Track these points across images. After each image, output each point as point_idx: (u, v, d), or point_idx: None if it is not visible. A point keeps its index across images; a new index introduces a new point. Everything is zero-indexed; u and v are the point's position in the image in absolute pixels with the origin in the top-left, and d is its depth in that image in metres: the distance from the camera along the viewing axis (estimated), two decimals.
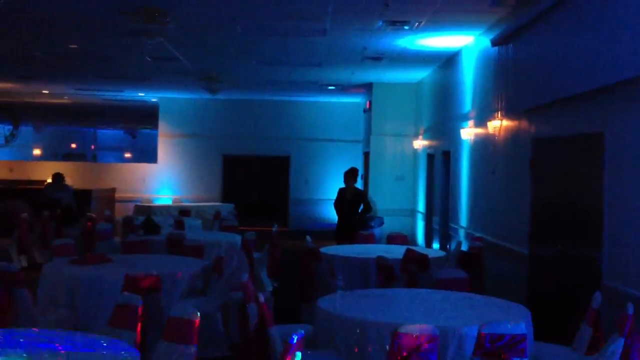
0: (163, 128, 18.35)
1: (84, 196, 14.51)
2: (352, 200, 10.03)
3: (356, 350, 4.25)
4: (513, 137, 7.91)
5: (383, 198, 13.99)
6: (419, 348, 3.60)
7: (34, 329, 4.42)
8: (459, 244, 8.70)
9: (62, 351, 3.43)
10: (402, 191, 14.33)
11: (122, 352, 3.45)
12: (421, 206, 13.48)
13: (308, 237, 7.70)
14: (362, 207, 10.04)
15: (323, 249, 7.58)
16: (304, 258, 7.24)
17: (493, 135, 8.58)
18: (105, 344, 3.59)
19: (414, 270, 6.36)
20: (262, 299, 4.52)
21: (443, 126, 11.70)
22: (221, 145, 18.20)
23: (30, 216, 11.09)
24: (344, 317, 4.42)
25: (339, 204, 10.12)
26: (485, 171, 8.93)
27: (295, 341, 3.34)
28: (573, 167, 6.27)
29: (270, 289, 8.31)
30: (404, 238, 8.92)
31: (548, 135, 6.86)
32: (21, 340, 3.64)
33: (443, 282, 5.69)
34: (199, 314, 4.17)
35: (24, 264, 9.99)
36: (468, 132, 9.78)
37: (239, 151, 18.24)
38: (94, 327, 5.00)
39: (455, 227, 10.39)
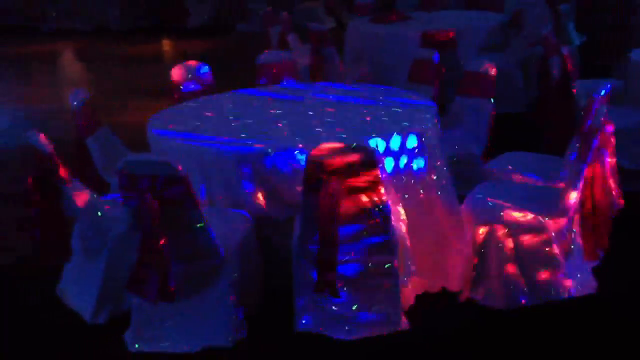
0: None
1: None
2: None
3: None
4: None
5: None
6: None
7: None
8: None
9: (366, 103, 3.67)
10: None
11: (421, 104, 3.57)
12: None
13: None
14: None
15: None
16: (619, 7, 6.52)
17: None
18: (404, 96, 3.74)
19: None
20: (565, 51, 4.24)
21: None
22: None
23: None
24: None
25: None
26: None
27: (600, 95, 3.10)
28: None
29: (577, 43, 7.71)
30: None
31: None
32: (332, 90, 3.98)
33: None
34: (495, 68, 4.07)
35: (332, 24, 10.63)
36: None
37: None
38: (395, 82, 5.21)
39: None
